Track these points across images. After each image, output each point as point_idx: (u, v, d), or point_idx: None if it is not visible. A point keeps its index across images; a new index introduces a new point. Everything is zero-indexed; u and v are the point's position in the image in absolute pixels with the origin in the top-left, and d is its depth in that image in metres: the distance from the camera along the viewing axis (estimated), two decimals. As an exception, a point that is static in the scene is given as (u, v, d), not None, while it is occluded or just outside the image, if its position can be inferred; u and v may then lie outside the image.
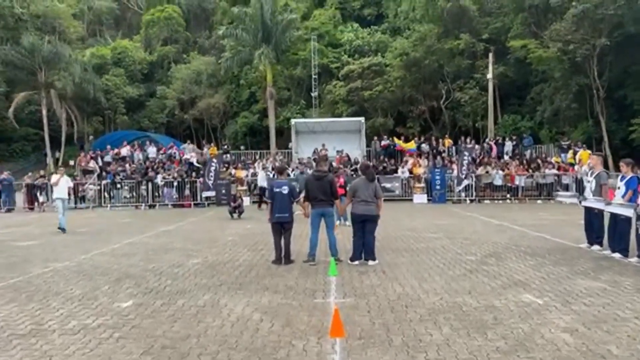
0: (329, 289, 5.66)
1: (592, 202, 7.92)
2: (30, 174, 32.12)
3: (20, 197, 20.95)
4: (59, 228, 11.83)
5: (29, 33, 36.44)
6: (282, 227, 7.13)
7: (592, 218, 8.14)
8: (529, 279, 6.02)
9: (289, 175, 14.83)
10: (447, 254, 7.79)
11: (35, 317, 4.80)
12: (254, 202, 19.98)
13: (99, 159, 23.80)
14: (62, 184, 12.46)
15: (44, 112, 36.71)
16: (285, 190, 7.09)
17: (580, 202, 8.14)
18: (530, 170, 20.19)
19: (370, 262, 7.00)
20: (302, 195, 7.31)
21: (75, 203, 20.29)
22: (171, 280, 6.30)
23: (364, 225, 7.00)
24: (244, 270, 6.78)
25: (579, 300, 5.07)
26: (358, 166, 8.39)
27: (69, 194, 14.10)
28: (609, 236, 7.78)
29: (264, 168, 20.33)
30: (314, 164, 22.72)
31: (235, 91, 38.17)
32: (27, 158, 41.04)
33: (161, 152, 24.98)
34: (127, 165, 23.15)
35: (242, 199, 15.29)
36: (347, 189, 7.33)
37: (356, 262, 7.02)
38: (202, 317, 4.71)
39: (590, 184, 8.24)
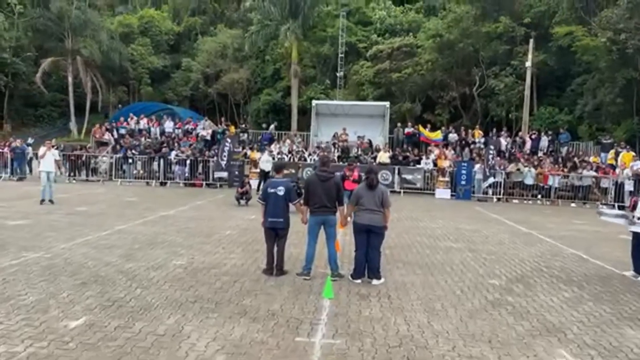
0: (318, 320, 4.71)
1: (646, 227, 6.64)
2: (53, 140, 32.32)
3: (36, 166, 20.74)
4: (42, 201, 12.12)
5: (57, -2, 36.11)
6: (275, 234, 6.20)
7: (644, 244, 6.89)
8: (564, 323, 4.93)
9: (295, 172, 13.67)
10: (467, 275, 6.73)
11: (-36, 335, 4.06)
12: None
13: (115, 132, 23.34)
14: (48, 157, 12.41)
15: (70, 79, 36.81)
16: (281, 191, 6.13)
17: (629, 224, 6.88)
18: (565, 170, 18.59)
19: (375, 282, 6.01)
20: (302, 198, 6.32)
21: (87, 175, 19.91)
22: (141, 289, 5.48)
23: (368, 238, 6.00)
24: (227, 281, 5.90)
25: (630, 365, 4.00)
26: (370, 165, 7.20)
27: (59, 167, 14.25)
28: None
29: (269, 151, 19.33)
30: (332, 148, 21.69)
31: (260, 67, 37.17)
32: (53, 124, 41.39)
33: (177, 126, 24.30)
34: (142, 139, 22.62)
35: (250, 185, 14.44)
36: (353, 191, 6.27)
37: (358, 281, 6.04)
38: (155, 354, 3.85)
39: (644, 203, 6.95)
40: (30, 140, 29.97)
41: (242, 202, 13.43)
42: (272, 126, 26.49)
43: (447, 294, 5.77)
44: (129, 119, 24.61)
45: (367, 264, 6.04)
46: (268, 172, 17.16)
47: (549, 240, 9.81)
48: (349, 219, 6.25)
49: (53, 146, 13.70)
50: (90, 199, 14.05)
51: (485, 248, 8.71)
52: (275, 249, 6.22)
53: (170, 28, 42.61)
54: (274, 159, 20.37)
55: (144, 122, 24.61)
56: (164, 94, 39.61)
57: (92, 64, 36.44)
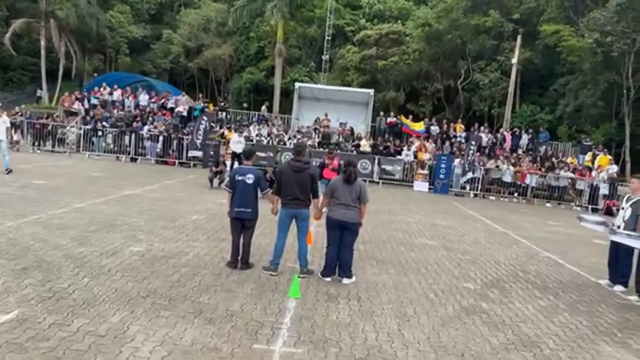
0: (280, 324, 4.32)
1: (625, 238, 6.45)
2: (23, 106, 30.76)
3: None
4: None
5: (31, -45, 34.06)
6: (242, 225, 5.75)
7: (620, 254, 6.72)
8: (540, 336, 4.68)
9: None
10: (441, 276, 6.45)
11: None
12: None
13: (86, 101, 22.23)
14: None
15: (42, 42, 34.96)
16: (250, 179, 5.66)
17: (609, 233, 6.68)
18: (543, 169, 18.62)
19: (345, 281, 5.66)
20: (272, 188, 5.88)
21: (53, 146, 18.92)
22: (89, 278, 4.98)
23: (342, 234, 5.62)
24: (186, 273, 5.45)
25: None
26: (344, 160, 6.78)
27: (9, 136, 13.59)
28: (638, 278, 6.44)
29: (238, 131, 18.55)
30: (313, 134, 21.20)
31: (244, 44, 36.10)
32: (23, 89, 39.52)
33: (152, 100, 23.33)
34: (115, 111, 21.63)
35: (225, 165, 13.87)
36: (329, 183, 5.85)
37: (328, 279, 5.67)
38: None
39: (624, 212, 6.75)
40: (-4, 104, 28.51)
41: (215, 182, 12.90)
42: (263, 107, 25.56)
43: (420, 298, 5.46)
44: (101, 89, 23.47)
45: (339, 261, 5.67)
46: (239, 155, 16.62)
47: (525, 242, 9.66)
48: (323, 211, 5.85)
49: (4, 113, 12.81)
50: (52, 171, 13.25)
51: (461, 247, 8.48)
52: (242, 241, 5.78)
53: (152, -4, 40.89)
54: (247, 140, 19.79)
55: (117, 94, 23.50)
56: (142, 65, 38.20)
57: (67, 28, 34.69)
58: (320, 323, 4.43)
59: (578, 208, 17.38)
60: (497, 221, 12.08)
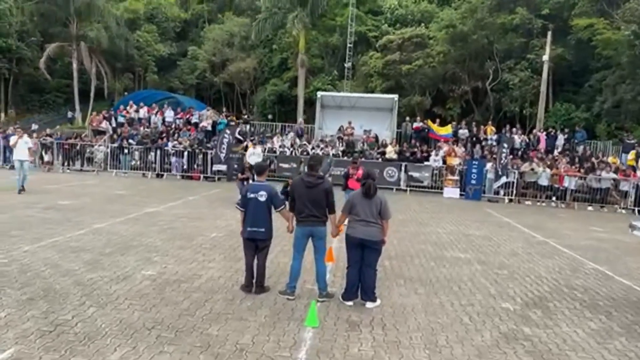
0: None
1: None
2: (57, 127, 31.76)
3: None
4: (19, 191, 11.87)
5: (62, -18, 35.38)
6: (255, 245, 5.38)
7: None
8: (594, 369, 4.08)
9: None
10: (476, 296, 5.87)
11: None
12: (267, 179, 18.37)
13: (114, 120, 22.63)
14: (20, 146, 12.12)
15: (75, 65, 36.22)
16: (262, 196, 5.29)
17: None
18: (582, 171, 17.53)
19: (369, 305, 5.17)
20: (287, 203, 5.48)
21: (82, 165, 19.26)
22: (95, 308, 4.70)
23: (362, 253, 5.15)
24: (197, 299, 5.11)
25: None
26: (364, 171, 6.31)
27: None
28: None
29: (256, 143, 18.28)
30: (337, 142, 20.80)
31: (268, 56, 36.25)
32: (58, 110, 40.95)
33: (178, 116, 23.54)
34: (141, 129, 21.91)
35: (251, 172, 13.20)
36: (347, 198, 5.41)
37: (350, 303, 5.20)
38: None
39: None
40: (34, 127, 29.44)
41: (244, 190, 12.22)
42: (300, 119, 24.67)
43: (453, 323, 4.92)
44: (128, 107, 23.87)
45: (361, 283, 5.20)
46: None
47: (567, 252, 8.89)
48: (342, 227, 5.41)
49: (25, 134, 13.15)
50: (78, 191, 13.34)
51: (497, 260, 7.83)
52: (256, 262, 5.40)
53: (177, 15, 41.84)
54: (270, 152, 19.54)
55: (144, 111, 23.87)
56: (169, 82, 38.97)
57: (97, 50, 35.83)
58: (340, 357, 3.97)
59: (623, 211, 16.25)
60: (535, 229, 11.29)
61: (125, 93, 36.50)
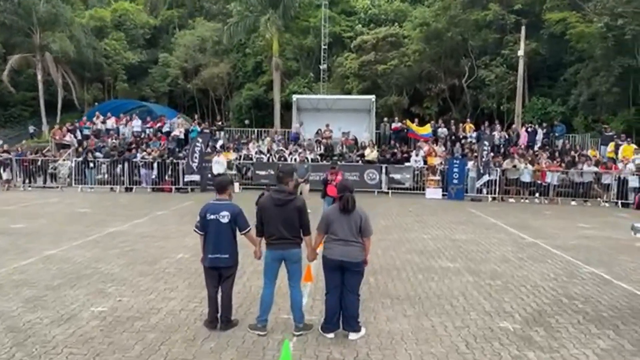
0: (263, 419, 3.22)
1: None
2: (23, 142, 30.24)
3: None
4: None
5: (24, -10, 33.86)
6: (219, 274, 4.67)
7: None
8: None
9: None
10: (471, 314, 5.28)
11: None
12: (244, 188, 17.67)
13: (78, 132, 21.49)
14: None
15: (39, 76, 34.68)
16: (224, 217, 4.59)
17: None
18: (563, 165, 17.31)
19: (352, 336, 4.51)
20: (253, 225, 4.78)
21: (45, 182, 18.12)
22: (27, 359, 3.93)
23: (343, 277, 4.51)
24: (152, 342, 4.37)
25: None
26: (340, 181, 5.58)
27: None
28: None
29: (220, 152, 17.55)
30: (315, 146, 20.14)
31: (242, 61, 35.40)
32: (25, 124, 39.24)
33: (148, 125, 22.54)
34: (109, 140, 20.87)
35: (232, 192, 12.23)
36: (322, 214, 4.75)
37: (330, 335, 4.54)
38: None
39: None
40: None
41: None
42: (297, 125, 22.28)
43: (449, 352, 4.30)
44: (94, 119, 22.77)
45: (342, 311, 4.54)
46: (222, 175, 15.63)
47: (559, 254, 8.43)
48: (318, 250, 4.75)
49: None
50: (36, 211, 12.34)
51: (488, 268, 7.29)
52: (220, 294, 4.69)
53: (146, 21, 40.56)
54: (246, 159, 18.78)
55: (111, 122, 22.80)
56: (141, 90, 37.73)
57: (63, 60, 34.41)
58: (319, 412, 3.31)
59: (606, 204, 16.06)
60: (522, 229, 10.85)
61: (96, 103, 35.19)
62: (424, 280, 6.57)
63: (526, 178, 16.74)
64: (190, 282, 6.24)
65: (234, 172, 17.80)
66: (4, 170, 17.43)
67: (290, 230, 4.48)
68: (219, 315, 4.66)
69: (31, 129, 33.79)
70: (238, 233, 4.71)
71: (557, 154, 19.21)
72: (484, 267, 7.37)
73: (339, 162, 18.00)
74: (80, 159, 18.05)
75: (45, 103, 34.75)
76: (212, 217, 4.59)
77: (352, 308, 4.50)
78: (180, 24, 40.48)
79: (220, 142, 19.61)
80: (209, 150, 18.26)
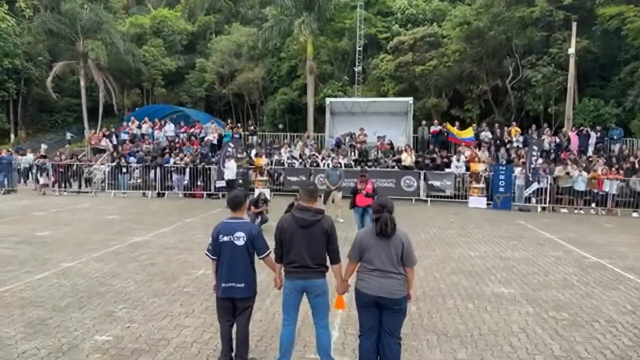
0: None
1: None
2: (66, 147, 31.09)
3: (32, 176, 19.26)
4: None
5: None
6: (233, 306, 3.98)
7: None
8: None
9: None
10: (536, 359, 4.35)
11: None
12: (275, 194, 17.10)
13: (114, 138, 21.62)
14: None
15: (82, 82, 35.75)
16: (240, 239, 3.89)
17: None
18: (622, 172, 15.72)
19: (391, 388, 3.71)
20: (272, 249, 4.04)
21: (79, 187, 18.20)
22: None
23: (381, 316, 3.71)
24: (155, 386, 3.72)
25: None
26: (376, 199, 4.39)
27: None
28: None
29: (234, 157, 16.46)
30: (349, 151, 19.33)
31: (276, 65, 35.20)
32: (69, 129, 40.56)
33: (182, 130, 22.44)
34: (144, 145, 20.86)
35: (266, 203, 11.04)
36: (355, 238, 3.95)
37: (365, 385, 3.75)
38: None
39: None
40: (43, 147, 28.76)
41: (257, 223, 9.97)
42: (340, 131, 21.44)
43: (515, 416, 3.42)
44: (130, 124, 22.90)
45: (380, 358, 3.73)
46: (233, 181, 15.00)
47: (632, 278, 7.26)
48: (350, 282, 3.97)
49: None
50: (65, 217, 12.15)
51: (550, 296, 6.27)
52: (234, 329, 3.99)
53: (183, 28, 41.20)
54: (278, 164, 18.17)
55: (146, 127, 22.85)
56: (178, 96, 38.26)
57: (104, 66, 35.32)
58: None
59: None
60: (582, 245, 9.65)
61: (136, 108, 35.85)
62: (476, 310, 5.64)
63: (580, 187, 15.30)
64: (208, 305, 5.57)
65: (265, 177, 17.28)
66: (41, 175, 17.63)
67: (315, 257, 3.72)
68: (233, 354, 3.96)
69: (68, 135, 34.80)
70: (256, 257, 4.00)
71: (613, 160, 17.57)
72: (545, 294, 6.35)
73: (372, 168, 17.23)
74: (114, 163, 18.03)
75: (87, 109, 35.72)
76: (226, 239, 3.90)
77: (392, 355, 3.67)
78: (217, 30, 40.86)
79: (254, 151, 19.11)
80: (238, 155, 17.81)
